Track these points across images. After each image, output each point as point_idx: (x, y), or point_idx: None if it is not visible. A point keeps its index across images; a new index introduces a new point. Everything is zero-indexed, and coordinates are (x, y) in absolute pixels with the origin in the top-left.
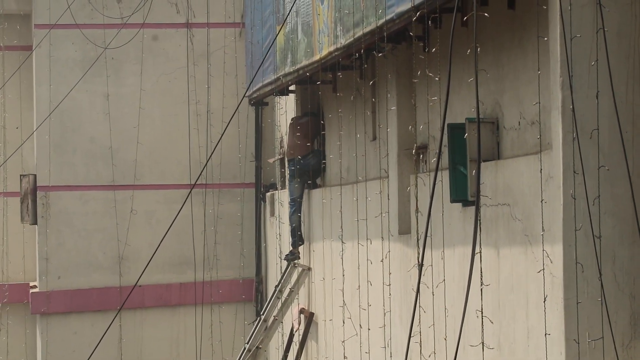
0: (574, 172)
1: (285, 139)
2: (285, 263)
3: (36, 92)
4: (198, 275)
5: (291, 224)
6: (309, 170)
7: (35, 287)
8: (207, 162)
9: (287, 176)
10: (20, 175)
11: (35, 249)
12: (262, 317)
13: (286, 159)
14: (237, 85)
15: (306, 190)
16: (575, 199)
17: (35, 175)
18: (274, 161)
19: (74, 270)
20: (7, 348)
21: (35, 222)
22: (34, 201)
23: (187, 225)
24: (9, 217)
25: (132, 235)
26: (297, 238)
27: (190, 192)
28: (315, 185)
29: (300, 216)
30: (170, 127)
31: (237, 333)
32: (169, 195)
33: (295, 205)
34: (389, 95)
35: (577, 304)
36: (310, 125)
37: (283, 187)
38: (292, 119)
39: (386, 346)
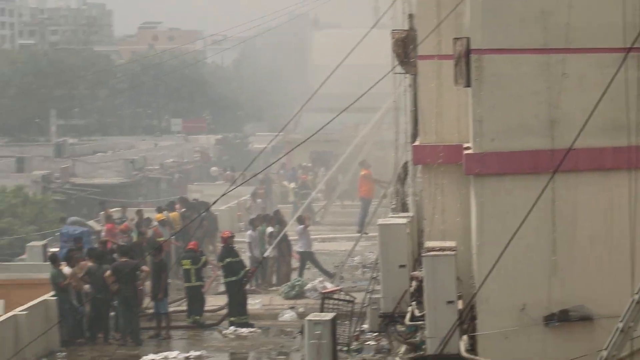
0: None
1: None
2: None
3: None
4: (632, 139)
5: None
6: None
7: (469, 148)
8: None
9: None
10: (454, 39)
11: (468, 111)
12: None
13: None
14: None
15: None
16: None
17: (468, 38)
18: None
19: (506, 133)
20: (442, 207)
21: (468, 85)
22: (467, 64)
23: (621, 89)
24: (443, 80)
25: (563, 98)
26: None
27: (626, 56)
28: None
29: None
30: None
31: None
32: (602, 59)
33: None
34: None
35: None
36: None
37: None
38: None
39: None
